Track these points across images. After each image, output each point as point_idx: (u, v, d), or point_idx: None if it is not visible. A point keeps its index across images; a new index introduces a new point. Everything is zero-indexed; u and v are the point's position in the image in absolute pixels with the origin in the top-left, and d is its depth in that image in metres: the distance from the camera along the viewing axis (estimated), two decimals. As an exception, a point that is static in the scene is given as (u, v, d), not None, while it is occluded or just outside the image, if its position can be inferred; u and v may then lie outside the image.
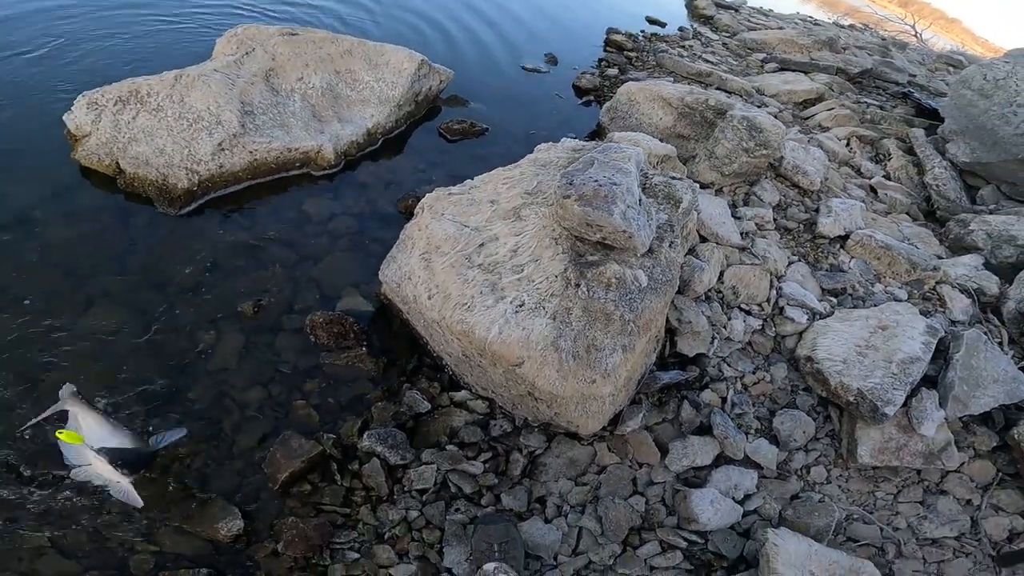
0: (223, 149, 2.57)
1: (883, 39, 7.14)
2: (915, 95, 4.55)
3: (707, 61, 5.05)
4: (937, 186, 3.32)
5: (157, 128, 2.53)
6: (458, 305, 1.89)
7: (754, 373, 2.24)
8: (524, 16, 5.34)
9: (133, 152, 2.48)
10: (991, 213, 3.07)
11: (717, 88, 4.36)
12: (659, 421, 2.10)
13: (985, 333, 2.38)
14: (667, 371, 2.19)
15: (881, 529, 1.92)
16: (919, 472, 2.04)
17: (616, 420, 2.02)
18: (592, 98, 4.21)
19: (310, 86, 3.00)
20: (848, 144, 3.83)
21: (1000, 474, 2.03)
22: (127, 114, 2.54)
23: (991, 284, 2.62)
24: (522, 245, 1.98)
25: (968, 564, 1.86)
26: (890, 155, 3.70)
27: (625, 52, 5.02)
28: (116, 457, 1.52)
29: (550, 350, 1.76)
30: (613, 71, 4.55)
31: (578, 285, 1.84)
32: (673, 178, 2.33)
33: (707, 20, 7.08)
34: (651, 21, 6.49)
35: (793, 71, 4.99)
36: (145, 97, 2.57)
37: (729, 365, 2.24)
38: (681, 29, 6.23)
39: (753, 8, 8.60)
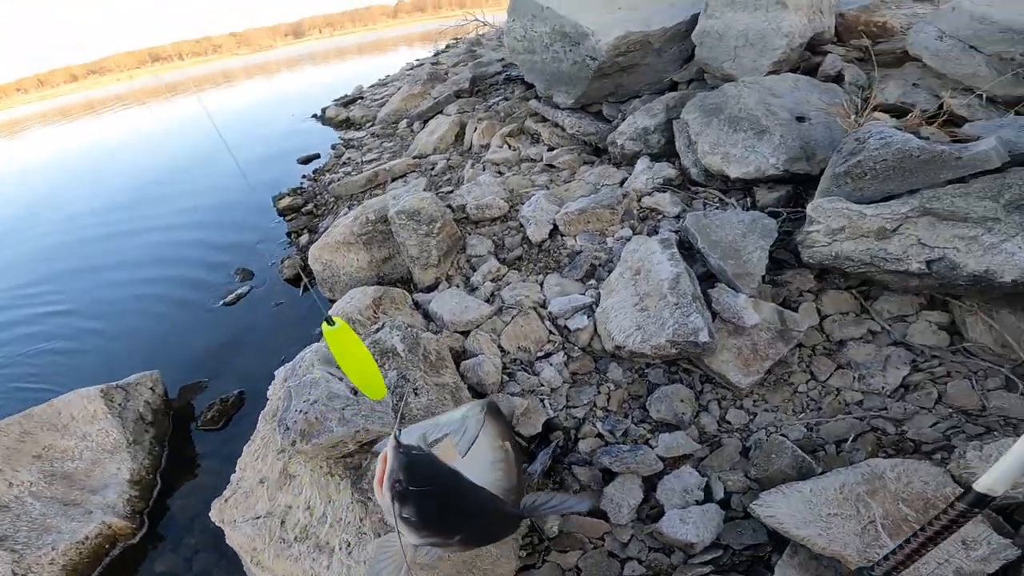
0: None
1: (471, 44, 8.27)
2: (513, 74, 5.27)
3: (369, 162, 5.29)
4: (578, 131, 3.84)
5: None
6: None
7: (599, 392, 2.27)
8: (190, 250, 5.02)
9: None
10: (623, 121, 3.62)
11: (393, 180, 4.56)
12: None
13: (704, 206, 2.76)
14: (535, 459, 2.13)
15: (845, 417, 1.89)
16: (799, 347, 2.07)
17: (540, 537, 1.88)
18: (302, 287, 3.94)
19: (26, 489, 2.38)
20: (508, 146, 4.27)
21: (854, 291, 2.13)
22: None
23: (665, 169, 3.07)
24: (311, 497, 1.83)
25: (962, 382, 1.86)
26: (538, 132, 4.20)
27: (303, 210, 4.99)
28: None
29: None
30: (304, 238, 4.46)
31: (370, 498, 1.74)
32: (379, 328, 2.29)
33: (346, 124, 7.47)
34: (305, 161, 6.62)
35: (432, 118, 5.47)
36: None
37: (575, 406, 2.25)
38: (334, 147, 6.47)
39: (372, 86, 9.36)
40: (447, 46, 10.09)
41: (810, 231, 2.20)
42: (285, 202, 5.18)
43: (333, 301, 2.94)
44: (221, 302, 4.02)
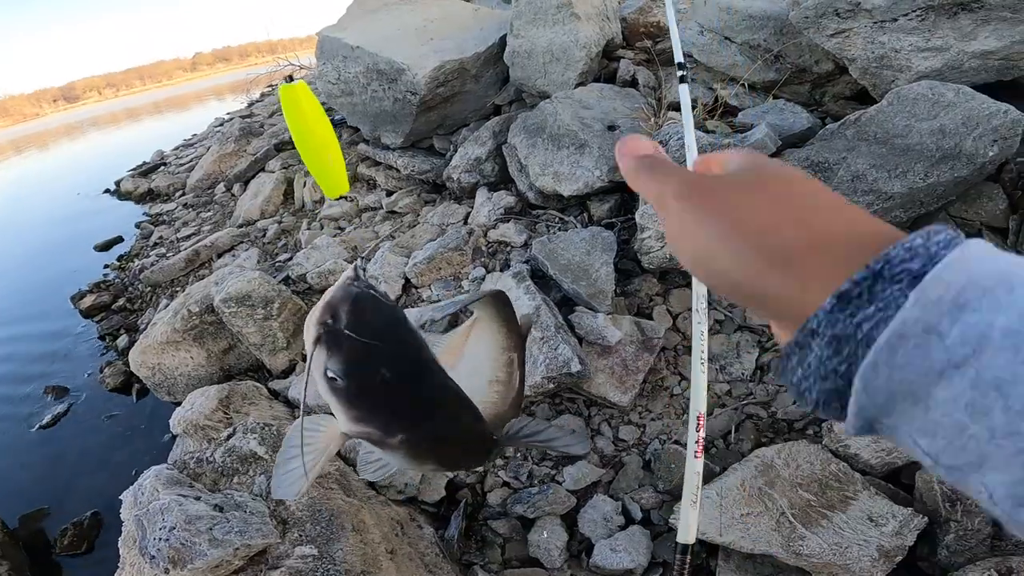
0: None
1: (285, 87, 7.73)
2: (336, 118, 5.01)
3: (186, 238, 4.63)
4: (412, 170, 3.73)
5: None
6: None
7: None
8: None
9: None
10: (455, 153, 3.58)
11: (219, 256, 4.03)
12: (511, 552, 1.87)
13: (547, 228, 2.80)
14: (449, 525, 1.97)
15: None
16: (663, 351, 2.13)
17: None
18: (135, 392, 3.35)
19: None
20: (344, 198, 4.01)
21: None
22: None
23: (504, 198, 3.09)
24: None
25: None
26: (373, 177, 4.01)
27: (114, 307, 4.21)
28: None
29: None
30: (123, 339, 3.77)
31: None
32: (230, 436, 1.98)
33: (149, 196, 6.55)
34: (104, 247, 5.64)
35: (253, 178, 4.97)
36: None
37: (471, 471, 2.13)
38: (139, 226, 5.59)
39: (176, 149, 8.34)
40: (262, 95, 9.34)
41: (643, 238, 2.33)
42: (88, 301, 4.33)
43: (177, 404, 2.54)
44: (37, 426, 3.29)
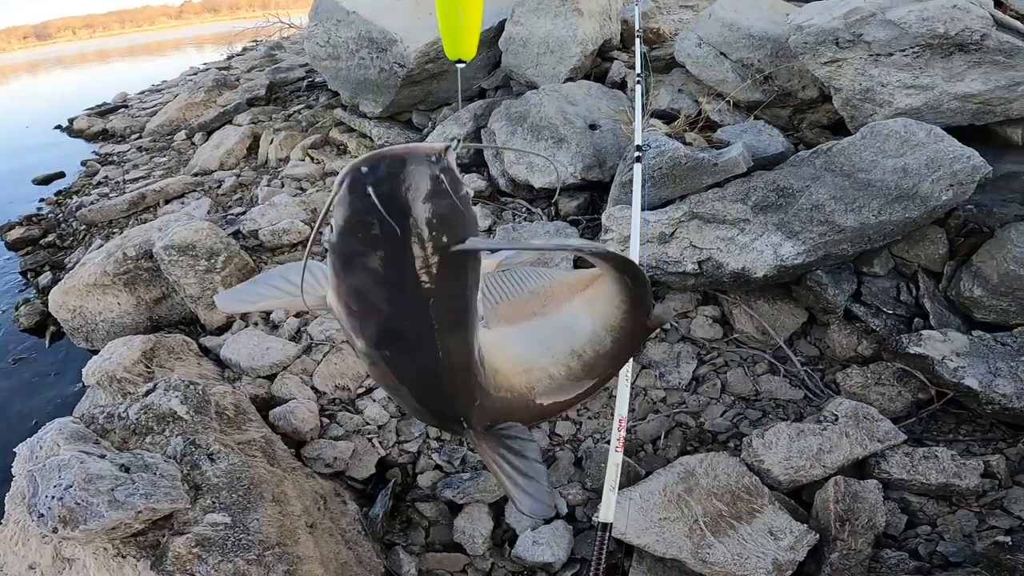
0: None
1: (271, 47, 7.46)
2: (317, 80, 4.85)
3: (135, 181, 4.36)
4: (386, 141, 3.63)
5: None
6: None
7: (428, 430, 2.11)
8: None
9: None
10: (433, 130, 3.50)
11: (167, 202, 3.80)
12: (435, 536, 1.82)
13: (513, 216, 2.76)
14: (375, 502, 1.88)
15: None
16: None
17: None
18: (48, 336, 3.03)
19: None
20: (310, 159, 3.86)
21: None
22: None
23: (475, 181, 3.03)
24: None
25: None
26: (344, 143, 3.88)
27: (42, 243, 3.90)
28: None
29: None
30: (46, 277, 3.44)
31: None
32: (150, 391, 1.84)
33: (103, 136, 6.17)
34: (44, 181, 5.26)
35: (218, 129, 4.74)
36: None
37: (407, 441, 2.04)
38: (85, 164, 5.24)
39: (142, 93, 7.91)
40: (243, 49, 8.95)
41: (605, 239, 2.32)
42: (16, 233, 4.02)
43: (94, 352, 2.35)
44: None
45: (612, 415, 2.06)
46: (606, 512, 1.11)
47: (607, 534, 1.07)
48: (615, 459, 1.20)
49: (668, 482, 1.66)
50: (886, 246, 2.13)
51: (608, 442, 1.94)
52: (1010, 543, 1.36)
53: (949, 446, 1.70)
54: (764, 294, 2.17)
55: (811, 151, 2.29)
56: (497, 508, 1.83)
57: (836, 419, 1.71)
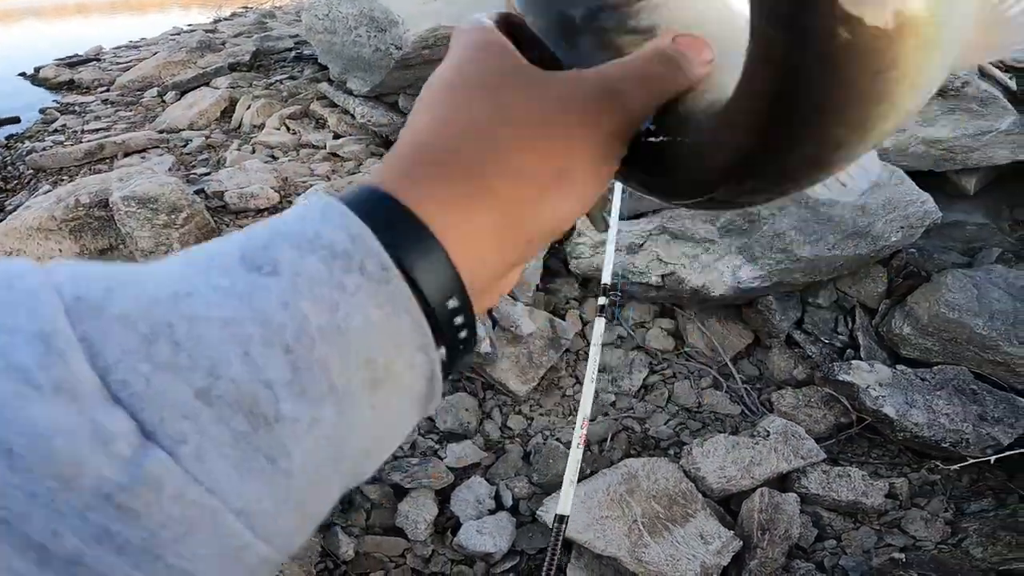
0: None
1: (262, 15, 7.25)
2: (305, 53, 4.75)
3: (94, 131, 4.15)
4: (369, 120, 3.60)
5: None
6: None
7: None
8: None
9: None
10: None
11: (126, 155, 3.64)
12: (377, 519, 1.79)
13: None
14: None
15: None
16: (566, 352, 2.18)
17: (335, 562, 1.65)
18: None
19: None
20: (287, 128, 3.77)
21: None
22: None
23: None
24: None
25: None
26: (324, 117, 3.81)
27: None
28: None
29: None
30: (-19, 217, 3.27)
31: None
32: None
33: (69, 86, 5.85)
34: (-4, 124, 4.94)
35: (194, 90, 4.57)
36: None
37: None
38: (43, 111, 4.95)
39: (118, 48, 7.54)
40: (232, 14, 8.65)
41: (578, 242, 2.37)
42: (-46, 173, 3.76)
43: None
44: None
45: (564, 413, 2.11)
46: (564, 505, 1.13)
47: (564, 526, 1.09)
48: (576, 455, 1.23)
49: (612, 482, 1.73)
50: (832, 280, 2.26)
51: (558, 439, 1.99)
52: (903, 560, 1.47)
53: (861, 467, 1.83)
54: (717, 313, 2.27)
55: (781, 182, 2.41)
56: (443, 495, 1.84)
57: (768, 435, 1.81)
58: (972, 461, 1.67)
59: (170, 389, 0.14)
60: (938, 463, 1.78)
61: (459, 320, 0.19)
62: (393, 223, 0.18)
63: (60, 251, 2.56)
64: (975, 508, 1.71)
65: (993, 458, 1.66)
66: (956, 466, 1.69)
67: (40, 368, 0.13)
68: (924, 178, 2.33)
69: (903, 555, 1.51)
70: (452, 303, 0.19)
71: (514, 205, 0.21)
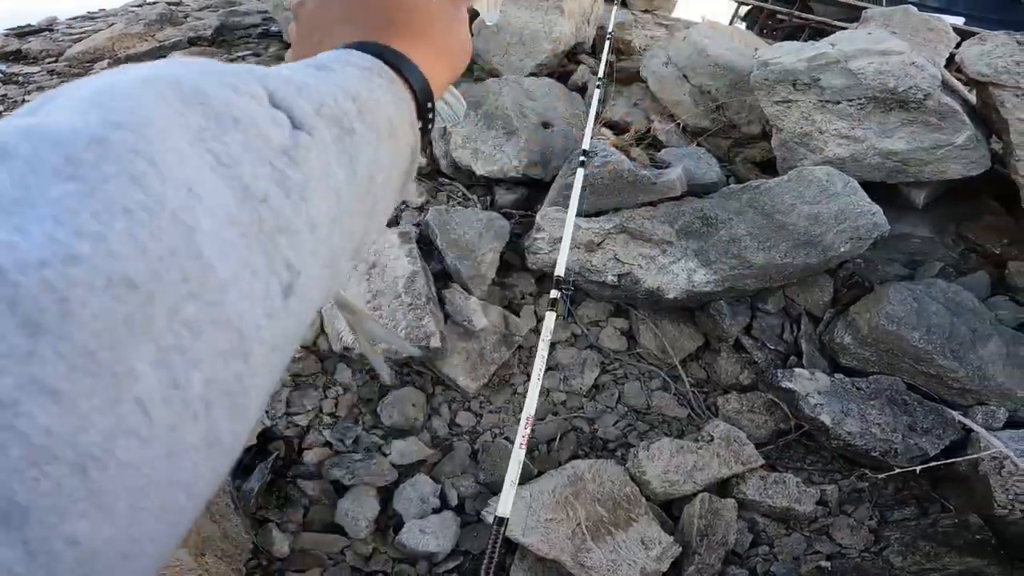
0: None
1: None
2: (272, 29, 4.59)
3: (40, 100, 3.92)
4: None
5: None
6: None
7: (325, 397, 2.01)
8: None
9: None
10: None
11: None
12: (315, 516, 1.75)
13: (448, 199, 2.72)
14: (251, 476, 1.80)
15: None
16: (519, 348, 2.15)
17: (270, 558, 1.59)
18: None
19: None
20: None
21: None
22: None
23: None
24: None
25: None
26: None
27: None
28: None
29: None
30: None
31: None
32: None
33: (16, 56, 5.52)
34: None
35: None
36: None
37: (297, 413, 1.96)
38: (-20, 81, 4.66)
39: (75, 18, 7.11)
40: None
41: (536, 237, 2.34)
42: None
43: None
44: None
45: (513, 411, 2.10)
46: (504, 507, 1.12)
47: (503, 528, 1.07)
48: (518, 456, 1.22)
49: (558, 484, 1.72)
50: (782, 287, 2.29)
51: (506, 438, 1.97)
52: (829, 568, 1.51)
53: (796, 473, 1.87)
54: (670, 315, 2.28)
55: (741, 186, 2.41)
56: (386, 493, 1.81)
57: (711, 440, 1.83)
58: (899, 471, 1.73)
59: (303, 105, 0.24)
60: (867, 471, 1.83)
61: (428, 109, 0.34)
62: (384, 54, 0.32)
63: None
64: (898, 516, 1.77)
65: (919, 468, 1.71)
66: (883, 475, 1.75)
67: (246, 89, 0.23)
68: (875, 189, 2.37)
69: (829, 563, 1.56)
70: (423, 98, 0.33)
71: (439, 39, 0.37)
